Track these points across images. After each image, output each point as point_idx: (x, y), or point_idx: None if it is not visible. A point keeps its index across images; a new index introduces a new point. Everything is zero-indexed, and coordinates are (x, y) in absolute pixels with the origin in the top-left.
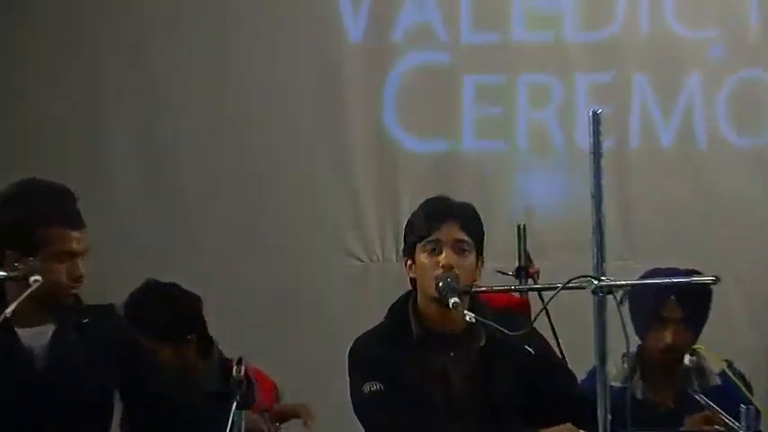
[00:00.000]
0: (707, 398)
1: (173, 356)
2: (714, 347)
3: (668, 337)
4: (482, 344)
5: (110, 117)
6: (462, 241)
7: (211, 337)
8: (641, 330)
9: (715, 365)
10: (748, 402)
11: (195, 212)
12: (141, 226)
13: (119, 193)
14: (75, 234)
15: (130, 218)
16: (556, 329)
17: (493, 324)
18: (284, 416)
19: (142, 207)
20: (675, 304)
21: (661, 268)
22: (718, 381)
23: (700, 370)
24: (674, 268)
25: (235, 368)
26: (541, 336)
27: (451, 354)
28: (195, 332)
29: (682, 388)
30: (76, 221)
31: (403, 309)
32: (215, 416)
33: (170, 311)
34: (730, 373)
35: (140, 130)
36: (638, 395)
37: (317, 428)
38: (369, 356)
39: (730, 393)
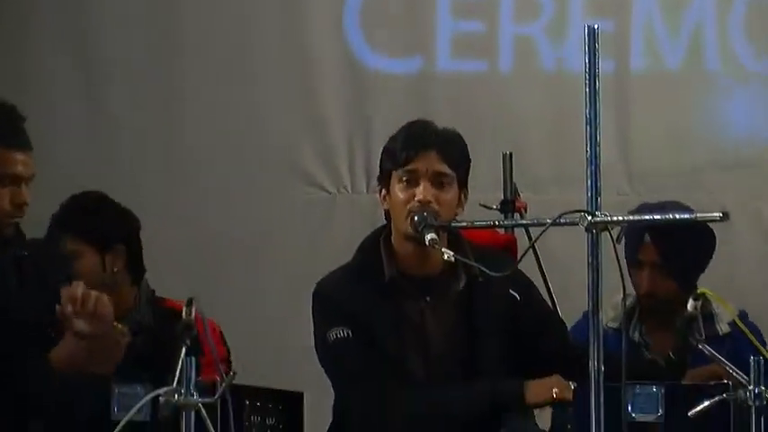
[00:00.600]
0: (713, 348)
1: (97, 265)
2: (724, 294)
3: (644, 281)
4: (462, 287)
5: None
6: (442, 174)
7: (144, 268)
8: (627, 271)
9: (725, 313)
10: (759, 354)
11: (146, 143)
12: (81, 158)
13: (58, 123)
14: (20, 156)
15: (70, 149)
16: (545, 270)
17: (475, 264)
18: None
19: (83, 138)
20: (651, 246)
21: (649, 203)
22: (726, 328)
23: (706, 316)
24: (664, 202)
25: (185, 310)
26: (527, 278)
27: (427, 298)
28: (124, 244)
29: (682, 338)
30: (22, 142)
31: (374, 247)
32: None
33: (99, 214)
34: (741, 324)
35: (80, 50)
36: (636, 337)
37: (278, 376)
38: (335, 299)
39: (740, 346)
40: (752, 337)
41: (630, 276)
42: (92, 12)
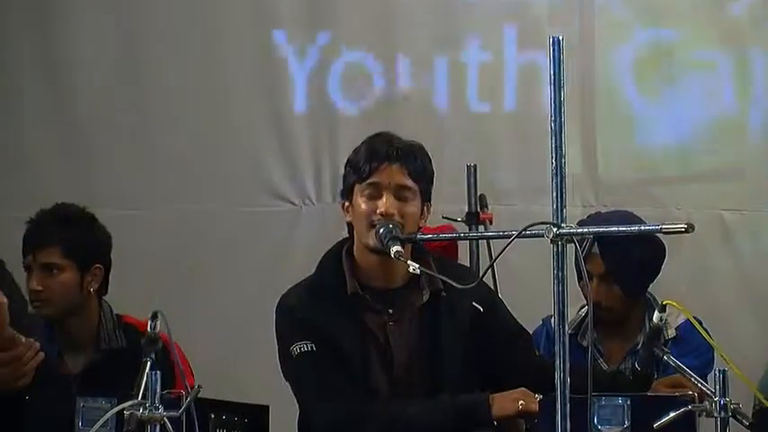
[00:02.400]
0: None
1: (76, 283)
2: (690, 303)
3: (591, 292)
4: (425, 300)
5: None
6: (405, 187)
7: (108, 288)
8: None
9: (673, 316)
10: (710, 353)
11: (113, 155)
12: (49, 173)
13: (27, 134)
14: None
15: (39, 162)
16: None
17: (439, 276)
18: None
19: (49, 142)
20: (598, 257)
21: (601, 213)
22: (672, 333)
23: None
24: (619, 210)
25: (149, 323)
26: (491, 290)
27: (390, 311)
28: (102, 264)
29: (647, 350)
30: None
31: (336, 260)
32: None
33: (84, 231)
34: (699, 327)
35: (45, 50)
36: (584, 342)
37: (242, 389)
38: (298, 313)
39: (683, 348)
40: (707, 336)
41: (579, 286)
42: (57, 19)
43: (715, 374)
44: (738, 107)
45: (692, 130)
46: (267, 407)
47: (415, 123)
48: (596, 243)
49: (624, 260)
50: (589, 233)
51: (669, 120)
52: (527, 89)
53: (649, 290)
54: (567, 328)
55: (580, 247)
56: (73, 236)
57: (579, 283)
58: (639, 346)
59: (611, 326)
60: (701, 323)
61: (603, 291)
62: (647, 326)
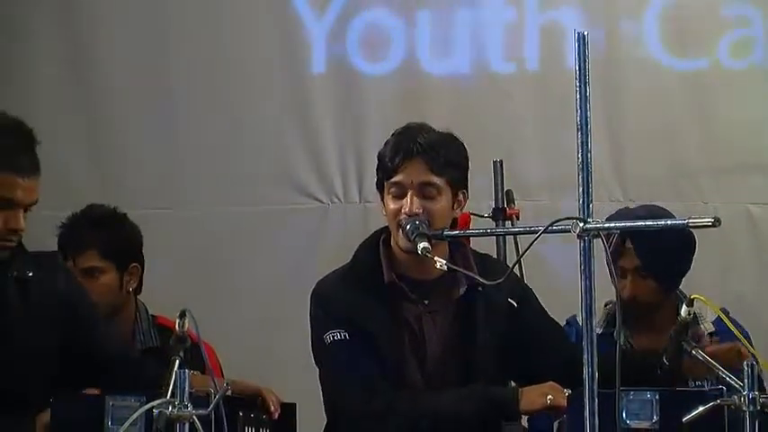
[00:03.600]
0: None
1: (116, 284)
2: (717, 297)
3: (627, 287)
4: (461, 293)
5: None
6: (429, 184)
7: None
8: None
9: (708, 312)
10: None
11: (140, 152)
12: (74, 159)
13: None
14: (22, 181)
15: (65, 158)
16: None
17: (465, 272)
18: (238, 391)
19: (76, 140)
20: (631, 252)
21: (630, 208)
22: (710, 327)
23: (693, 318)
24: (647, 205)
25: (178, 322)
26: (525, 285)
27: (426, 302)
28: (138, 263)
29: (675, 345)
30: (26, 167)
31: (372, 249)
32: (154, 372)
33: (120, 232)
34: (727, 320)
35: (72, 48)
36: (623, 343)
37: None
38: (333, 301)
39: (728, 336)
40: (737, 332)
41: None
42: (86, 19)
43: (744, 367)
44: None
45: (720, 124)
46: (294, 405)
47: (437, 88)
48: (629, 238)
49: (658, 253)
50: (615, 228)
51: (697, 115)
52: (550, 49)
53: None
54: (594, 323)
55: (612, 244)
56: (108, 237)
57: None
58: None
59: (643, 321)
60: (728, 314)
61: (638, 285)
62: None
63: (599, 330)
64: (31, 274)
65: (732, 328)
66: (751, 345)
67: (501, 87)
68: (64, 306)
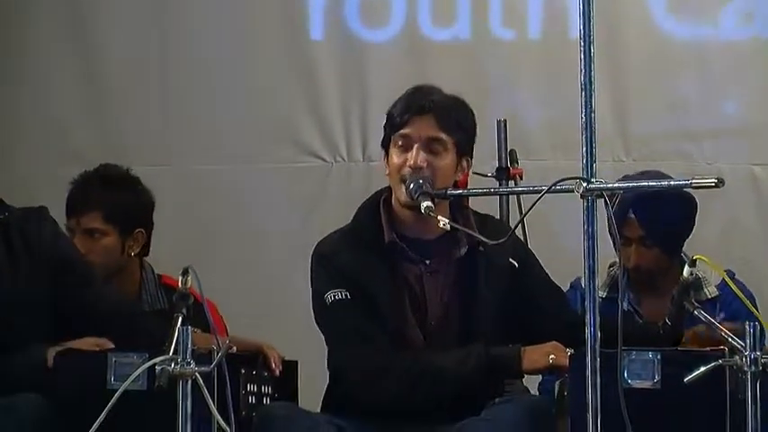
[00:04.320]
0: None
1: (117, 248)
2: (720, 258)
3: (631, 257)
4: (463, 253)
5: None
6: (437, 139)
7: (149, 249)
8: (616, 246)
9: (713, 276)
10: (750, 314)
11: (144, 112)
12: (78, 125)
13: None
14: None
15: (68, 117)
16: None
17: (469, 231)
18: (240, 347)
19: (77, 99)
20: (635, 221)
21: (631, 175)
22: (714, 291)
23: (697, 281)
24: (649, 171)
25: (180, 279)
26: (526, 246)
27: (427, 262)
28: (144, 228)
29: (677, 306)
30: None
31: (373, 209)
32: (160, 332)
33: (127, 195)
34: (732, 284)
35: (74, 13)
36: (624, 306)
37: (273, 343)
38: (334, 261)
39: (728, 307)
40: (742, 296)
41: (615, 251)
42: None
43: (746, 328)
44: None
45: (722, 87)
46: (296, 362)
47: (440, 54)
48: (631, 208)
49: (660, 220)
50: (618, 188)
51: (699, 73)
52: (553, 16)
53: None
54: (596, 283)
55: (615, 214)
56: (115, 200)
57: (616, 250)
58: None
59: (647, 286)
60: (733, 275)
61: (643, 255)
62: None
63: (602, 294)
64: (6, 215)
65: (736, 291)
66: (756, 308)
67: (502, 53)
68: (53, 259)
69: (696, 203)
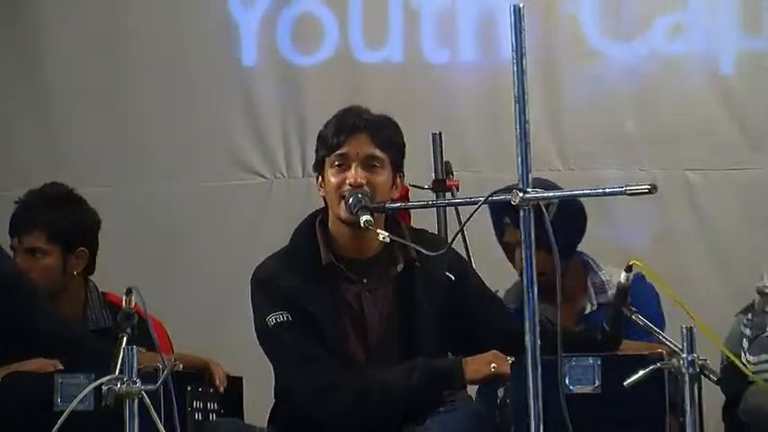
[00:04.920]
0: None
1: (59, 266)
2: (656, 263)
3: (517, 262)
4: (399, 270)
5: None
6: (373, 157)
7: (95, 268)
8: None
9: (616, 274)
10: (653, 310)
11: (88, 134)
12: (29, 148)
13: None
14: None
15: (20, 142)
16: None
17: (410, 244)
18: (187, 365)
19: (24, 119)
20: (512, 228)
21: (540, 179)
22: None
23: (602, 284)
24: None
25: (125, 299)
26: (462, 258)
27: (365, 281)
28: (87, 247)
29: (615, 311)
30: None
31: (309, 231)
32: (104, 351)
33: (69, 214)
34: (662, 283)
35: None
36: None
37: (219, 360)
38: (273, 284)
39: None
40: (682, 306)
41: (507, 257)
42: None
43: (682, 331)
44: (704, 69)
45: (655, 92)
46: (241, 378)
47: (374, 76)
48: (505, 215)
49: (541, 223)
50: (555, 197)
51: (633, 80)
52: (486, 37)
53: (588, 252)
54: (535, 293)
55: (494, 223)
56: (58, 219)
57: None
58: (588, 310)
59: (547, 290)
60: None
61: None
62: (591, 289)
63: (512, 306)
64: None
65: (670, 293)
66: (659, 305)
67: (435, 74)
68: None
69: (583, 210)
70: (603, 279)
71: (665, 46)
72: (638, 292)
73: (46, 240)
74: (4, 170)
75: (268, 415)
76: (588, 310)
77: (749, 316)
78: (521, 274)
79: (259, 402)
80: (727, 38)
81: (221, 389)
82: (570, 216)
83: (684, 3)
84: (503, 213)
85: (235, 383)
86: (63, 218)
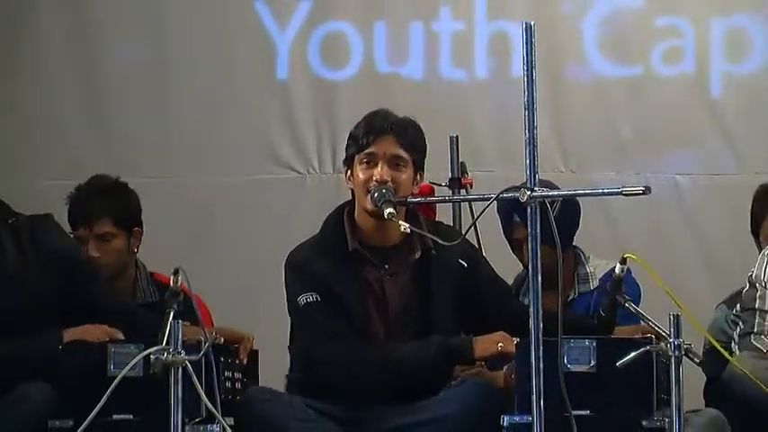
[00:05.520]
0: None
1: (125, 247)
2: (650, 257)
3: (524, 255)
4: (417, 257)
5: None
6: (398, 157)
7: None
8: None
9: (601, 267)
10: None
11: (138, 129)
12: (80, 142)
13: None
14: None
15: (73, 137)
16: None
17: (428, 235)
18: (226, 338)
19: (76, 108)
20: (521, 224)
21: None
22: (597, 283)
23: (586, 275)
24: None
25: (172, 278)
26: (474, 247)
27: (386, 266)
28: (140, 227)
29: (610, 299)
30: None
31: (338, 221)
32: (153, 324)
33: (127, 200)
34: (654, 274)
35: (75, 21)
36: (525, 301)
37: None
38: (304, 268)
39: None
40: (672, 295)
41: (514, 253)
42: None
43: (670, 318)
44: (694, 89)
45: (648, 103)
46: (257, 351)
47: (398, 91)
48: (514, 213)
49: (548, 221)
50: (559, 196)
51: (630, 93)
52: (498, 55)
53: (581, 246)
54: (540, 279)
55: (504, 220)
56: (119, 205)
57: (512, 249)
58: (570, 297)
59: (546, 280)
60: (630, 273)
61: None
62: (576, 280)
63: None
64: (12, 221)
65: (660, 283)
66: (640, 296)
67: (452, 91)
68: (60, 260)
69: (577, 205)
70: (588, 271)
71: (659, 68)
72: (625, 284)
73: (113, 225)
74: (61, 163)
75: (285, 383)
76: (571, 297)
77: (737, 309)
78: (526, 267)
79: (272, 373)
80: (714, 63)
81: (244, 362)
82: (569, 212)
83: (678, 32)
84: (512, 211)
85: (254, 356)
86: (122, 203)
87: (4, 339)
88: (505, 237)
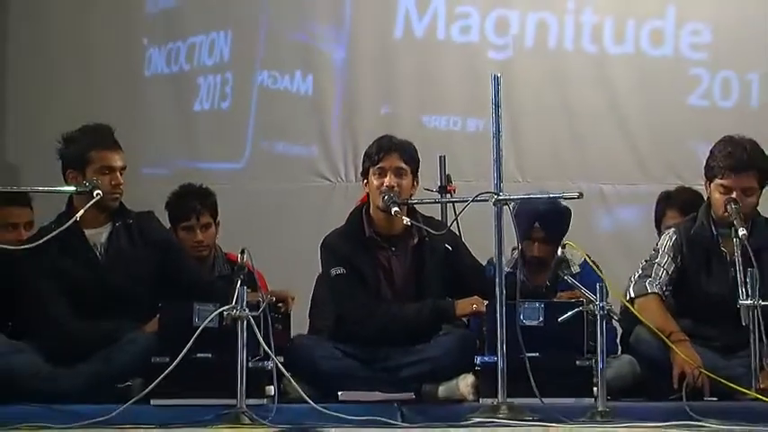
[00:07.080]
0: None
1: (215, 233)
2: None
3: (534, 250)
4: (415, 242)
5: None
6: (401, 168)
7: None
8: (520, 242)
9: (577, 257)
10: (601, 280)
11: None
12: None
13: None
14: (116, 155)
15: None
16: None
17: (422, 226)
18: (276, 297)
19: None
20: (539, 228)
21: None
22: (578, 269)
23: (567, 261)
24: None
25: (239, 256)
26: (456, 236)
27: (393, 249)
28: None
29: (554, 274)
30: (117, 145)
31: (358, 215)
32: (225, 291)
33: (212, 196)
34: (590, 262)
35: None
36: (521, 277)
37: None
38: (334, 249)
39: (588, 278)
40: (596, 268)
41: (523, 246)
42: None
43: (597, 287)
44: (612, 119)
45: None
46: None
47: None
48: (536, 220)
49: (555, 228)
50: (516, 199)
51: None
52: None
53: None
54: (504, 263)
55: (524, 222)
56: (212, 202)
57: (523, 242)
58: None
59: (537, 265)
60: (589, 257)
61: (543, 248)
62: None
63: (508, 268)
64: (131, 221)
65: (594, 266)
66: (601, 276)
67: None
68: (159, 247)
69: (571, 213)
70: (569, 258)
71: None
72: (589, 272)
73: (210, 216)
74: (151, 154)
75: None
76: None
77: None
78: (533, 257)
79: (298, 323)
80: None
81: (289, 311)
82: (567, 218)
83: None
84: (534, 218)
85: (287, 316)
86: (213, 201)
87: (110, 316)
88: (523, 234)
